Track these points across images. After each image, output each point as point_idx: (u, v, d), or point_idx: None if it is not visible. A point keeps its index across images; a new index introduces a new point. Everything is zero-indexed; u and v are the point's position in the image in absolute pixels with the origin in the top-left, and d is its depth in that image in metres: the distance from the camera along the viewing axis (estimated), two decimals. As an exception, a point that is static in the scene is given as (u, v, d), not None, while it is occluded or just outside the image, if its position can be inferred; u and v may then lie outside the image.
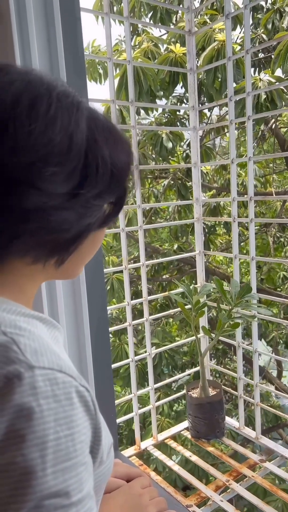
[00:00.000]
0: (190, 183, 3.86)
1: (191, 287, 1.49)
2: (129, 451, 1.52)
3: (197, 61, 2.77)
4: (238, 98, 1.49)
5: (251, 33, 3.56)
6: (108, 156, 0.61)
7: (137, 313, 3.83)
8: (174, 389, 4.60)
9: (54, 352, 0.53)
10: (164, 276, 4.07)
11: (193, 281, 3.97)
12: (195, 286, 1.51)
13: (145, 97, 2.56)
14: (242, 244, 5.22)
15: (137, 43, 3.40)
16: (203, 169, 3.98)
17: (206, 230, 4.21)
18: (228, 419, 1.67)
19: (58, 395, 0.49)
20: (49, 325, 0.64)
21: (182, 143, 3.75)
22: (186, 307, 1.48)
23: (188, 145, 3.98)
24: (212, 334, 1.62)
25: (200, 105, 1.61)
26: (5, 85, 0.54)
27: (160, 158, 3.59)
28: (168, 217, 4.27)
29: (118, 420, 1.57)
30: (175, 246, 3.95)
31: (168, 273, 4.11)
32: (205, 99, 3.27)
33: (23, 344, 0.50)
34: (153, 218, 4.06)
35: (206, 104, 3.29)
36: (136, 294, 3.78)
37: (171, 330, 4.75)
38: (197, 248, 1.67)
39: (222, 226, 4.56)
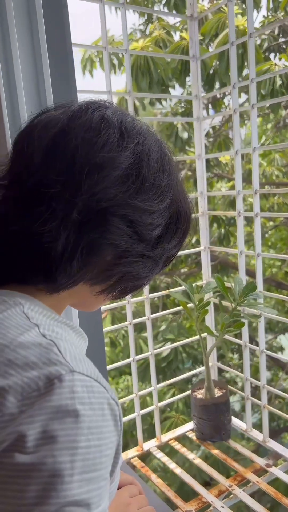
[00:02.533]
0: (207, 174, 3.77)
1: (193, 284, 1.44)
2: (131, 452, 1.49)
3: (210, 48, 2.68)
4: (241, 85, 1.41)
5: (270, 16, 3.42)
6: (185, 213, 0.67)
7: (156, 308, 3.79)
8: (195, 382, 4.56)
9: (89, 361, 0.53)
10: (182, 270, 4.01)
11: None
12: (197, 284, 1.45)
13: (156, 87, 2.49)
14: (266, 235, 5.09)
15: (152, 32, 3.32)
16: (222, 159, 3.87)
17: (226, 222, 4.12)
18: (235, 421, 1.61)
19: (93, 403, 0.48)
20: (77, 333, 0.65)
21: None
22: (189, 305, 1.42)
23: (206, 135, 3.88)
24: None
25: (203, 94, 1.53)
26: (154, 147, 0.63)
27: (177, 149, 3.51)
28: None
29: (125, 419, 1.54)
30: (194, 240, 3.88)
31: (186, 266, 4.05)
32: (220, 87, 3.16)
33: (63, 347, 0.51)
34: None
35: (213, 91, 3.18)
36: (154, 288, 3.74)
37: (192, 324, 4.70)
38: (202, 243, 1.61)
39: (244, 217, 4.45)
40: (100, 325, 1.20)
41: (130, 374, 4.09)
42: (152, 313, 1.52)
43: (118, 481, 0.64)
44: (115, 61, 3.40)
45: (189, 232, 0.71)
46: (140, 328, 3.57)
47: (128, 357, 1.48)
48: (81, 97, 0.69)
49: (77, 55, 3.49)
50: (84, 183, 0.55)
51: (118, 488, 0.91)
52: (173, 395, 3.40)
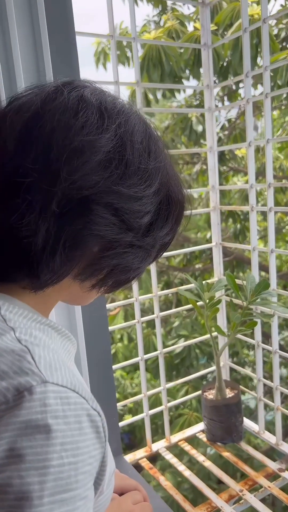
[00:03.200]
0: (223, 167, 3.69)
1: (203, 282, 1.39)
2: (139, 453, 1.45)
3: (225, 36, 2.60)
4: (255, 73, 1.35)
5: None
6: (176, 197, 0.62)
7: (169, 304, 3.75)
8: (210, 379, 4.50)
9: (68, 368, 0.49)
10: (196, 266, 3.95)
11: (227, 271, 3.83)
12: (208, 281, 1.40)
13: (168, 79, 2.43)
14: (283, 231, 4.97)
15: (165, 23, 3.25)
16: (238, 152, 3.79)
17: (242, 217, 4.04)
18: (247, 422, 1.56)
19: (68, 417, 0.44)
20: (63, 336, 0.61)
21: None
22: (199, 303, 1.38)
23: (222, 127, 3.80)
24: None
25: (215, 84, 1.47)
26: (138, 127, 0.58)
27: (191, 142, 3.45)
28: (199, 204, 4.13)
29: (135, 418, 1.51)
30: (208, 235, 3.82)
31: (201, 262, 3.99)
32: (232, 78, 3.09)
33: (38, 355, 0.46)
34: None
35: (226, 81, 3.10)
36: (168, 284, 3.69)
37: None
38: (213, 239, 1.55)
39: (259, 212, 4.36)
40: (105, 324, 1.17)
41: (145, 369, 4.07)
42: (166, 308, 1.48)
43: (110, 492, 0.60)
44: (129, 54, 3.34)
45: (183, 217, 0.66)
46: (154, 323, 3.52)
47: (145, 351, 1.44)
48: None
49: (91, 48, 3.45)
50: (62, 170, 0.50)
51: (122, 494, 0.88)
52: (187, 392, 3.36)
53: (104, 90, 0.61)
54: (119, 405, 1.44)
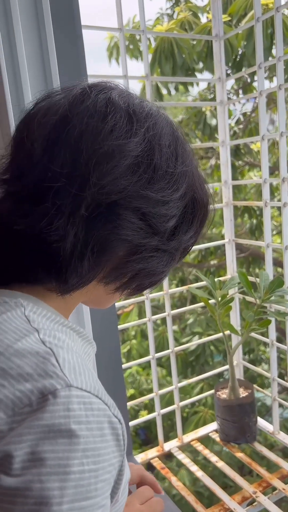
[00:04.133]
0: (238, 162, 3.64)
1: (216, 280, 1.36)
2: (151, 453, 1.43)
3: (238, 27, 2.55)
4: (268, 64, 1.31)
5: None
6: (202, 201, 0.62)
7: (184, 301, 3.72)
8: (226, 377, 4.47)
9: (91, 372, 0.49)
10: (212, 262, 3.91)
11: (243, 268, 3.77)
12: (220, 279, 1.37)
13: (180, 71, 2.39)
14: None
15: (178, 15, 3.20)
16: (254, 147, 3.73)
17: (258, 212, 3.97)
18: (262, 422, 1.53)
19: (91, 422, 0.43)
20: (84, 339, 0.61)
21: (229, 119, 3.52)
22: (211, 301, 1.35)
23: (237, 121, 3.74)
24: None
25: (227, 76, 1.44)
26: (166, 131, 0.58)
27: (206, 137, 3.40)
28: (214, 199, 4.08)
29: (145, 418, 1.50)
30: (223, 230, 3.77)
31: (216, 259, 3.94)
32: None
33: (62, 358, 0.46)
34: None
35: (239, 73, 3.04)
36: (182, 281, 3.66)
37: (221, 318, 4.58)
38: (226, 236, 1.52)
39: (275, 207, 4.28)
40: (114, 322, 1.15)
41: (160, 365, 4.05)
42: (181, 305, 1.46)
43: (125, 499, 0.59)
44: (142, 48, 3.31)
45: (207, 219, 0.66)
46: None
47: (157, 350, 1.42)
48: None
49: (104, 43, 3.42)
50: (91, 175, 0.50)
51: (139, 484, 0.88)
52: (202, 389, 3.33)
53: (131, 93, 0.60)
54: (133, 402, 1.43)
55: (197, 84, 3.41)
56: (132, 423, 1.41)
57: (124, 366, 1.32)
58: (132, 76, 1.28)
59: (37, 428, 0.40)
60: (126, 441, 0.49)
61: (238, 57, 2.83)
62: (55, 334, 0.50)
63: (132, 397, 3.82)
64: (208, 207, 0.65)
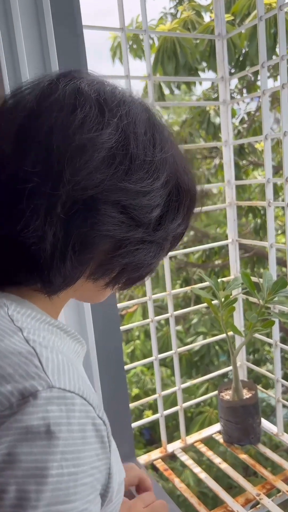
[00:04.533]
0: (242, 162, 3.62)
1: (219, 280, 1.35)
2: (154, 454, 1.43)
3: (241, 26, 2.53)
4: (272, 63, 1.30)
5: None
6: (187, 186, 0.60)
7: (188, 301, 3.71)
8: (231, 377, 4.46)
9: (78, 371, 0.47)
10: (216, 262, 3.89)
11: (248, 268, 3.76)
12: (223, 279, 1.36)
13: (183, 71, 2.37)
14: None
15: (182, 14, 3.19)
16: (258, 146, 3.71)
17: (262, 211, 3.95)
18: (266, 423, 1.52)
19: (72, 424, 0.42)
20: (72, 337, 0.60)
21: (233, 119, 3.51)
22: (214, 302, 1.34)
23: (241, 121, 3.73)
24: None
25: (230, 75, 1.43)
26: (141, 117, 0.55)
27: (210, 136, 3.39)
28: (218, 199, 4.07)
29: (148, 420, 1.49)
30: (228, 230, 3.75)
31: (220, 259, 3.93)
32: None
33: (45, 358, 0.45)
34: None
35: (241, 72, 3.02)
36: (187, 281, 3.65)
37: (225, 318, 4.56)
38: (229, 236, 1.51)
39: (280, 207, 4.25)
40: (117, 323, 1.15)
41: (165, 365, 4.05)
42: (185, 305, 1.45)
43: (120, 499, 0.58)
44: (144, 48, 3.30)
45: (195, 205, 0.63)
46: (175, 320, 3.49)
47: (161, 350, 1.42)
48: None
49: (107, 42, 3.42)
50: (64, 172, 0.48)
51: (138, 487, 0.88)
52: (207, 389, 3.32)
53: (103, 80, 0.57)
54: (136, 404, 1.42)
55: (200, 83, 3.39)
56: (135, 424, 1.41)
57: (127, 367, 1.32)
58: (135, 76, 1.28)
59: (16, 429, 0.40)
60: (112, 443, 0.48)
61: (242, 56, 2.81)
62: (39, 332, 0.49)
63: (137, 397, 3.82)
64: (195, 193, 0.62)
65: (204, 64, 2.81)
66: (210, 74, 2.81)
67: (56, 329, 0.55)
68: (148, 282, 1.35)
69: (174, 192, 0.58)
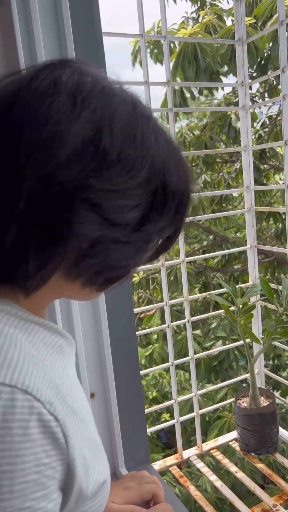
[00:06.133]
0: (264, 165, 3.59)
1: (237, 287, 1.34)
2: (169, 460, 1.42)
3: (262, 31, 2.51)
4: (292, 68, 1.28)
5: None
6: (176, 187, 0.55)
7: (207, 306, 3.68)
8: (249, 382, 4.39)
9: (37, 366, 0.46)
10: (235, 267, 3.86)
11: (268, 273, 3.71)
12: (241, 286, 1.35)
13: (204, 75, 2.36)
14: None
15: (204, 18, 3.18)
16: (279, 150, 3.66)
17: (284, 216, 3.90)
18: (284, 433, 1.50)
19: (8, 421, 0.41)
20: (53, 331, 0.57)
21: (255, 123, 3.48)
22: (231, 308, 1.33)
23: (262, 125, 3.69)
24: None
25: (251, 79, 1.42)
26: (121, 110, 0.51)
27: (231, 140, 3.37)
28: (239, 203, 4.04)
29: (163, 425, 1.49)
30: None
31: (240, 263, 3.89)
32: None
33: None
34: (223, 204, 3.84)
35: (262, 77, 2.99)
36: (205, 285, 3.63)
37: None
38: (248, 241, 1.50)
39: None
40: (132, 328, 1.15)
41: (182, 369, 4.02)
42: (204, 310, 1.45)
43: (102, 501, 0.56)
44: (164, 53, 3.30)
45: (186, 208, 0.58)
46: (193, 325, 3.46)
47: (180, 354, 1.41)
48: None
49: (128, 47, 3.44)
50: (27, 167, 0.46)
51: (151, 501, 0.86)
52: (226, 394, 3.29)
53: (88, 71, 0.53)
54: (151, 409, 1.42)
55: (222, 88, 3.37)
56: (152, 429, 1.40)
57: (144, 372, 1.32)
58: (153, 82, 1.28)
59: None
60: (68, 438, 0.46)
61: (264, 59, 2.78)
62: (3, 328, 0.48)
63: (155, 400, 3.81)
64: (185, 193, 0.57)
65: (226, 68, 2.79)
66: (231, 78, 2.79)
67: (28, 323, 0.53)
68: (165, 286, 1.35)
69: (160, 192, 0.54)
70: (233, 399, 1.55)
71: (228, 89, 3.44)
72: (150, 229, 0.54)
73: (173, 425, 1.44)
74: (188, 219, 0.62)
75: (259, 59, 2.59)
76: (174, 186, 0.55)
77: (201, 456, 1.46)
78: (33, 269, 0.49)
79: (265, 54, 2.68)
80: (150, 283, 4.06)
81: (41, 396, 0.44)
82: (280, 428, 1.47)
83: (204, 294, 1.45)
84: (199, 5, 3.27)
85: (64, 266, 0.52)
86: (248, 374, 1.49)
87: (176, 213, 0.56)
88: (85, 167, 0.47)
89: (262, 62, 2.62)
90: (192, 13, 3.37)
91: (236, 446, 1.48)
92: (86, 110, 0.48)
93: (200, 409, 1.47)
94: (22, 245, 0.47)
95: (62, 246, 0.49)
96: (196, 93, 2.85)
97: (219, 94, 3.58)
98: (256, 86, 3.64)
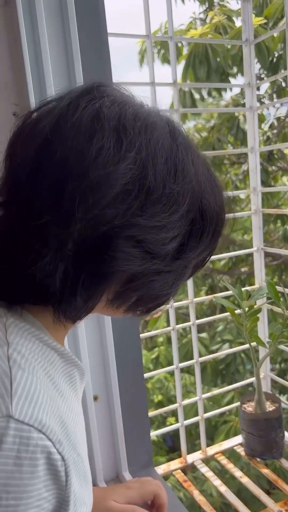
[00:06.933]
0: (271, 167, 3.56)
1: (243, 289, 1.32)
2: (174, 464, 1.41)
3: (269, 32, 2.49)
4: (300, 69, 1.27)
5: None
6: (213, 211, 0.56)
7: (213, 308, 3.66)
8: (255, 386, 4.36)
9: (51, 400, 0.46)
10: (242, 269, 3.83)
11: (275, 275, 3.68)
12: (247, 288, 1.33)
13: (215, 76, 2.34)
14: None
15: (212, 19, 3.17)
16: (287, 152, 3.64)
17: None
18: (289, 437, 1.48)
19: (21, 459, 0.41)
20: (69, 362, 0.58)
21: (263, 124, 3.46)
22: (238, 311, 1.32)
23: (270, 126, 3.67)
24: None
25: (257, 81, 1.40)
26: (162, 144, 0.51)
27: (238, 142, 3.35)
28: (247, 205, 4.01)
29: (167, 429, 1.48)
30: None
31: (247, 266, 3.87)
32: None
33: (17, 382, 0.44)
34: (230, 206, 3.80)
35: (270, 78, 2.96)
36: (212, 288, 3.61)
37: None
38: (254, 244, 1.48)
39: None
40: (136, 332, 1.14)
41: (188, 372, 4.00)
42: (210, 312, 1.43)
43: None
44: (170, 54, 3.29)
45: (222, 229, 0.59)
46: (199, 328, 3.45)
47: (186, 357, 1.40)
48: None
49: (135, 47, 3.43)
50: (77, 210, 0.46)
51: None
52: (232, 398, 3.27)
53: (127, 99, 0.53)
54: (155, 413, 1.41)
55: (230, 89, 3.35)
56: (156, 432, 1.39)
57: (148, 374, 1.31)
58: (160, 83, 1.27)
59: None
60: (70, 477, 0.46)
61: (275, 59, 2.76)
62: (24, 351, 0.48)
63: (160, 403, 3.79)
64: (223, 215, 0.58)
65: (235, 69, 2.77)
66: (241, 79, 2.77)
67: (50, 350, 0.53)
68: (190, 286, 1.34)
69: (198, 220, 0.55)
70: (238, 403, 1.53)
71: (236, 90, 3.42)
72: (189, 256, 0.55)
73: (178, 429, 1.43)
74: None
75: (270, 59, 2.56)
76: (211, 212, 0.56)
77: (206, 461, 1.44)
78: (80, 304, 0.50)
79: (276, 55, 2.66)
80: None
81: (53, 435, 0.44)
82: (286, 433, 1.45)
83: (209, 296, 1.43)
84: (207, 6, 3.26)
85: (105, 298, 0.54)
86: (254, 378, 1.48)
87: (213, 237, 0.58)
88: (130, 206, 0.48)
89: (273, 63, 2.59)
90: (200, 13, 3.36)
91: (241, 450, 1.46)
92: (131, 150, 0.48)
93: (205, 413, 1.45)
94: (72, 283, 0.48)
95: (106, 282, 0.51)
96: (205, 94, 2.83)
97: (227, 95, 3.57)
98: (265, 87, 3.62)
